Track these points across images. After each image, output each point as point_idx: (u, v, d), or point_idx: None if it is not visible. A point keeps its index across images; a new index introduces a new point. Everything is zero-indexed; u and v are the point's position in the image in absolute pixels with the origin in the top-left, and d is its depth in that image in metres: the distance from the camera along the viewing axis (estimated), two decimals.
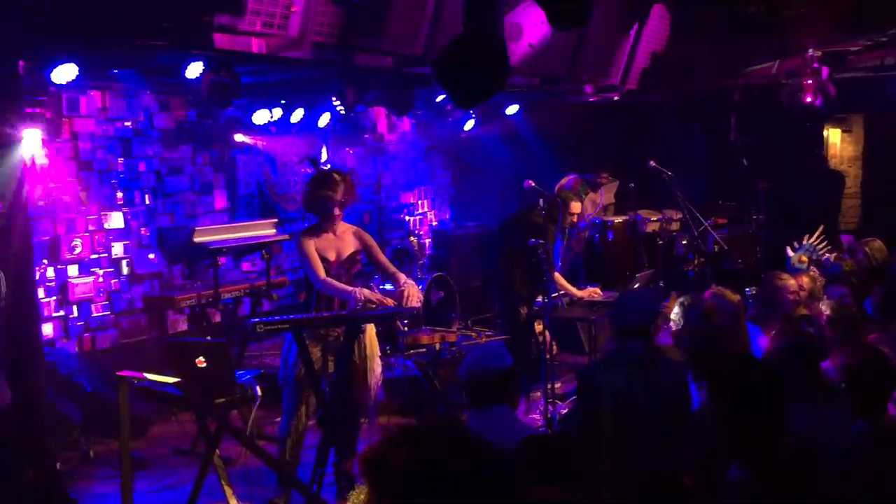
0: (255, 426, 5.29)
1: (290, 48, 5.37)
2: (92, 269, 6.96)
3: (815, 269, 5.69)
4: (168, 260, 7.51)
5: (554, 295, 6.32)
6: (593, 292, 6.91)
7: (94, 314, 6.96)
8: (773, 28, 8.39)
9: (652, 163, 6.95)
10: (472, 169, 9.53)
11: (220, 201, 8.12)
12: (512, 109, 9.34)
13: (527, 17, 6.69)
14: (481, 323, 9.05)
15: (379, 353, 5.18)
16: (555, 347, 6.44)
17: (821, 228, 6.20)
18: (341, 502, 4.96)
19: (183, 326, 7.49)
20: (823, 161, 10.66)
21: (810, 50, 8.21)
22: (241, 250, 7.62)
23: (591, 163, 9.80)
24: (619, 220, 9.00)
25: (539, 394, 6.22)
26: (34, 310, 4.97)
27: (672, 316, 4.31)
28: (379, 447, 1.69)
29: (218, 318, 7.56)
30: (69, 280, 6.78)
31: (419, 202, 10.48)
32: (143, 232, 7.35)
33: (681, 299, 4.36)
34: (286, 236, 7.84)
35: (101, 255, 7.03)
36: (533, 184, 7.02)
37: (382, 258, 5.16)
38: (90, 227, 6.96)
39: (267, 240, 7.56)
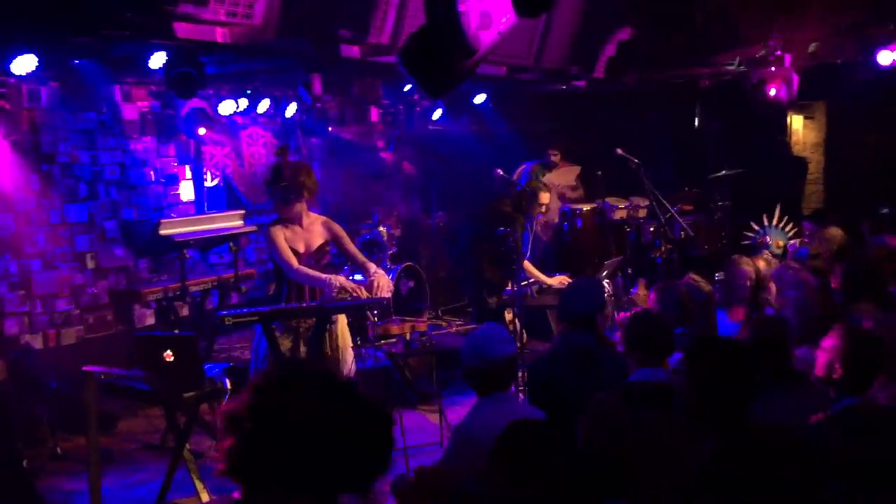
0: None
1: (255, 37, 5.32)
2: (56, 264, 6.85)
3: (769, 253, 5.78)
4: (134, 253, 7.41)
5: (524, 283, 6.35)
6: (563, 280, 6.96)
7: (59, 309, 6.86)
8: (738, 17, 8.48)
9: (619, 151, 6.99)
10: (441, 159, 9.52)
11: (186, 193, 8.03)
12: (479, 99, 9.35)
13: (495, 5, 6.68)
14: (451, 312, 9.07)
15: (350, 344, 5.17)
16: (524, 335, 6.48)
17: (777, 209, 6.32)
18: None
19: (150, 320, 7.40)
20: (787, 148, 10.81)
21: (772, 41, 8.31)
22: (208, 243, 7.55)
23: (558, 150, 9.85)
24: (586, 207, 9.05)
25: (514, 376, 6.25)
26: None
27: None
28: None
29: (185, 312, 7.49)
30: (33, 274, 6.68)
31: (388, 192, 10.45)
32: (107, 225, 7.26)
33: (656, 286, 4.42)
34: (254, 228, 7.78)
35: (65, 249, 6.93)
36: (502, 173, 7.03)
37: (352, 248, 5.14)
38: (52, 221, 6.85)
39: (234, 231, 7.49)
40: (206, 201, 8.18)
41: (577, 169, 8.52)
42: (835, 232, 6.11)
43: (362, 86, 7.65)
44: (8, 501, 4.57)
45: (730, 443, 2.58)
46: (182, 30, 4.96)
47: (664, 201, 7.14)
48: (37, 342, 6.67)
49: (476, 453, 2.76)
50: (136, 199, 7.52)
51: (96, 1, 4.56)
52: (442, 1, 3.87)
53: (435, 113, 9.53)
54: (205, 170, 8.21)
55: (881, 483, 2.77)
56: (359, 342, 7.51)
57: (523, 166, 7.97)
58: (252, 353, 5.00)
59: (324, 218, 5.12)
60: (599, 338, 3.96)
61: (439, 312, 8.92)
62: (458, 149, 10.05)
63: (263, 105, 7.69)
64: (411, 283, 8.33)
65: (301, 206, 4.89)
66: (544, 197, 6.95)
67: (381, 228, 8.30)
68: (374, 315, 7.11)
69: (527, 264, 6.81)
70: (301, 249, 4.90)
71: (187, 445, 4.57)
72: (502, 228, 6.12)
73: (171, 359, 4.28)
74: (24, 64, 5.09)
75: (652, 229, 8.30)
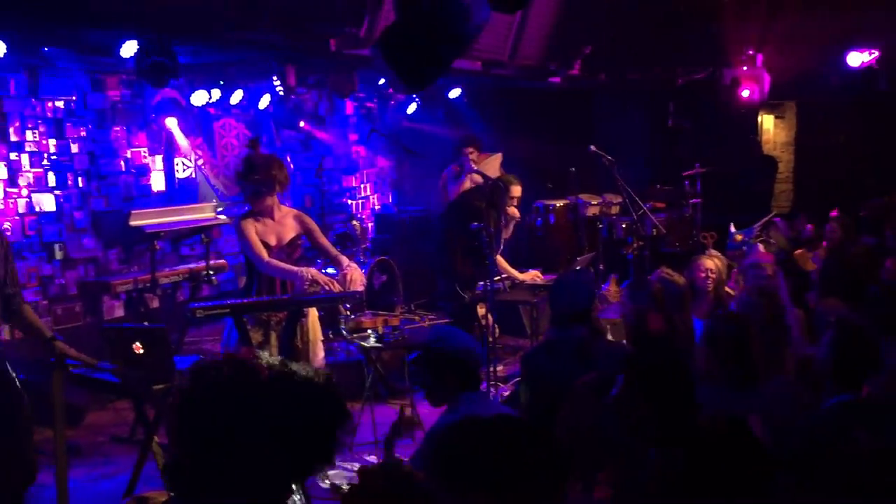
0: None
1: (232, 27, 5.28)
2: (23, 254, 6.75)
3: (718, 253, 5.89)
4: (103, 244, 7.33)
5: (496, 279, 6.37)
6: (535, 275, 6.98)
7: (27, 300, 6.74)
8: (711, 17, 8.55)
9: (593, 147, 7.03)
10: (415, 153, 9.51)
11: (157, 184, 7.95)
12: (454, 93, 9.33)
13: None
14: (424, 307, 9.07)
15: (321, 338, 5.16)
16: (497, 330, 6.49)
17: (772, 215, 6.44)
18: None
19: (119, 312, 7.32)
20: (758, 146, 10.93)
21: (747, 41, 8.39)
22: (180, 234, 7.48)
23: (532, 146, 9.87)
24: (560, 203, 9.08)
25: (481, 376, 6.26)
26: None
27: None
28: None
29: (156, 304, 7.42)
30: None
31: (361, 186, 10.43)
32: (76, 215, 7.16)
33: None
34: (225, 219, 7.72)
35: (33, 239, 6.83)
36: (475, 168, 7.03)
37: (324, 241, 5.12)
38: (20, 211, 6.75)
39: (206, 223, 7.43)
40: (178, 192, 8.10)
41: (499, 156, 8.46)
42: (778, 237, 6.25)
43: (337, 78, 7.60)
44: None
45: (676, 443, 2.57)
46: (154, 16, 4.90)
47: (636, 198, 7.20)
48: (3, 333, 6.56)
49: None
50: (106, 189, 7.43)
51: None
52: None
53: (410, 107, 9.51)
54: (177, 161, 8.13)
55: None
56: (331, 336, 7.49)
57: (444, 174, 7.99)
58: (222, 346, 4.97)
59: (296, 211, 5.11)
60: (594, 330, 3.99)
61: (412, 307, 8.91)
62: (432, 143, 10.04)
63: (237, 96, 7.62)
64: (384, 278, 8.32)
65: (273, 200, 4.87)
66: (515, 190, 6.96)
67: (354, 222, 8.28)
68: (346, 309, 7.09)
69: (499, 259, 6.82)
70: (273, 242, 4.88)
71: (156, 438, 4.53)
72: (475, 224, 6.13)
73: (141, 351, 4.24)
74: None
75: (624, 226, 8.35)
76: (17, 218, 6.71)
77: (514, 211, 6.87)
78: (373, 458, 5.03)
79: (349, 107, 10.04)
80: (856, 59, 8.55)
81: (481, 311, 6.67)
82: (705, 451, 2.47)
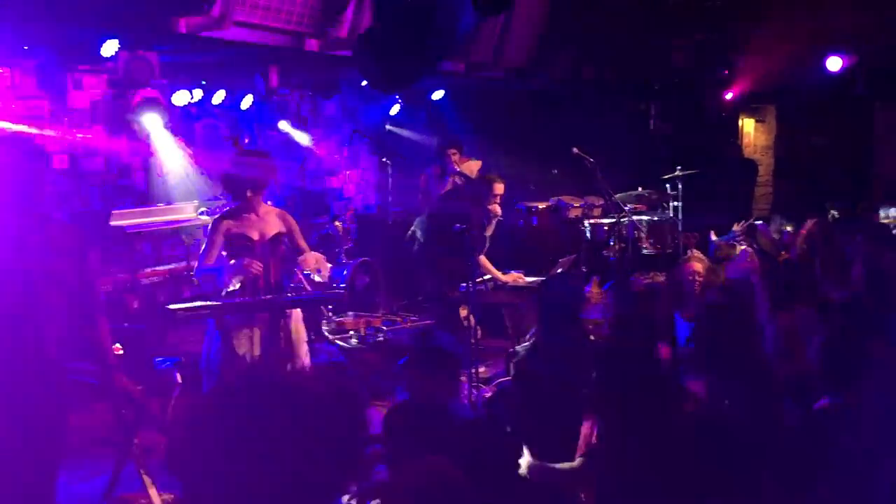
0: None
1: (213, 28, 5.26)
2: None
3: (703, 256, 5.93)
4: None
5: (479, 280, 6.37)
6: (517, 277, 6.99)
7: None
8: (694, 18, 8.61)
9: (575, 150, 7.05)
10: (398, 154, 9.51)
11: (138, 183, 7.89)
12: (438, 95, 9.35)
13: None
14: (406, 308, 9.06)
15: (305, 339, 5.13)
16: (479, 332, 6.50)
17: (751, 221, 6.50)
18: None
19: None
20: (738, 150, 11.01)
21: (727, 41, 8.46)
22: (160, 234, 7.43)
23: (515, 148, 9.90)
24: (542, 205, 9.11)
25: (464, 378, 6.27)
26: None
27: None
28: None
29: (136, 304, 7.36)
30: None
31: (344, 187, 10.41)
32: (56, 216, 7.09)
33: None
34: (207, 219, 7.67)
35: None
36: (458, 168, 7.04)
37: (303, 244, 5.10)
38: None
39: (187, 223, 7.38)
40: (158, 192, 8.05)
41: (479, 163, 8.51)
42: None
43: (320, 79, 7.59)
44: None
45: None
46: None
47: (618, 200, 7.23)
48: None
49: None
50: (86, 189, 7.37)
51: None
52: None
53: (393, 108, 9.51)
54: (157, 160, 8.07)
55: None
56: (312, 337, 7.47)
57: (424, 175, 8.01)
58: (204, 348, 4.92)
59: (279, 210, 5.08)
60: (583, 331, 4.01)
61: (394, 308, 8.90)
62: (415, 144, 10.05)
63: (219, 96, 7.59)
64: (367, 279, 8.30)
65: (259, 195, 4.87)
66: (498, 188, 6.98)
67: (336, 223, 8.27)
68: (328, 310, 7.08)
69: (483, 260, 6.83)
70: (255, 237, 4.85)
71: (135, 440, 4.50)
72: (458, 225, 6.14)
73: (121, 352, 4.21)
74: None
75: (606, 228, 8.39)
76: None
77: (495, 208, 6.89)
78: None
79: (332, 108, 10.02)
80: (835, 63, 8.64)
81: (464, 312, 6.67)
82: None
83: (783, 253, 6.36)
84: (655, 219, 8.42)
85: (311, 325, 7.47)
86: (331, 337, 6.86)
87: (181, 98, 7.28)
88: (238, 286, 4.68)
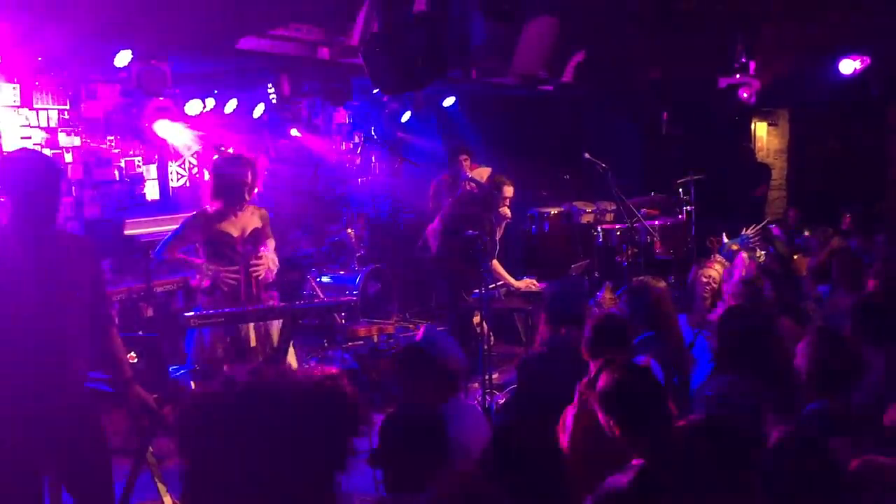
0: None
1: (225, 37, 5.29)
2: None
3: (724, 261, 5.90)
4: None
5: (491, 286, 6.36)
6: (530, 283, 6.98)
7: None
8: (704, 23, 8.58)
9: (587, 155, 7.04)
10: (410, 161, 9.52)
11: (151, 193, 7.94)
12: (448, 101, 9.35)
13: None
14: (419, 315, 9.06)
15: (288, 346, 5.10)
16: (492, 338, 6.49)
17: (764, 224, 6.48)
18: None
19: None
20: (751, 154, 10.97)
21: (739, 45, 8.43)
22: None
23: (526, 154, 9.90)
24: (554, 211, 9.10)
25: (477, 384, 6.26)
26: None
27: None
28: None
29: (150, 313, 7.40)
30: None
31: (356, 194, 10.42)
32: (70, 225, 7.14)
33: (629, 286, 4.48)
34: None
35: None
36: (470, 175, 7.04)
37: (268, 238, 5.14)
38: None
39: None
40: (172, 201, 8.09)
41: (488, 169, 8.54)
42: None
43: (332, 87, 7.62)
44: None
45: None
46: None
47: (630, 205, 7.21)
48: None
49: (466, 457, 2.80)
50: (100, 198, 7.42)
51: None
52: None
53: (404, 115, 9.53)
54: (170, 169, 8.12)
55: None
56: (326, 344, 7.48)
57: (435, 182, 8.02)
58: (193, 356, 4.94)
59: (258, 208, 5.13)
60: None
61: (407, 315, 8.91)
62: (426, 150, 10.06)
63: (231, 105, 7.62)
64: (379, 286, 8.31)
65: (249, 198, 4.92)
66: (508, 190, 6.98)
67: (348, 230, 8.28)
68: (341, 317, 7.09)
69: (496, 265, 6.82)
70: (235, 234, 4.91)
71: (150, 448, 4.51)
72: (470, 231, 6.14)
73: (135, 360, 4.23)
74: None
75: (618, 233, 8.37)
76: None
77: (505, 211, 6.91)
78: None
79: (344, 114, 10.05)
80: (848, 66, 8.60)
81: (476, 318, 6.67)
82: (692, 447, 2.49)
83: (796, 257, 6.34)
84: (669, 223, 8.40)
85: (324, 332, 7.50)
86: (343, 344, 6.87)
87: (194, 107, 7.31)
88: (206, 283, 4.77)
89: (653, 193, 9.65)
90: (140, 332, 6.38)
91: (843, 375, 3.13)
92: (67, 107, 7.09)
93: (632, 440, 2.71)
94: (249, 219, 4.99)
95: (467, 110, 9.88)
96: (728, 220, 7.20)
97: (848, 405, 3.13)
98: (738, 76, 8.58)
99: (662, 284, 4.65)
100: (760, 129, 11.29)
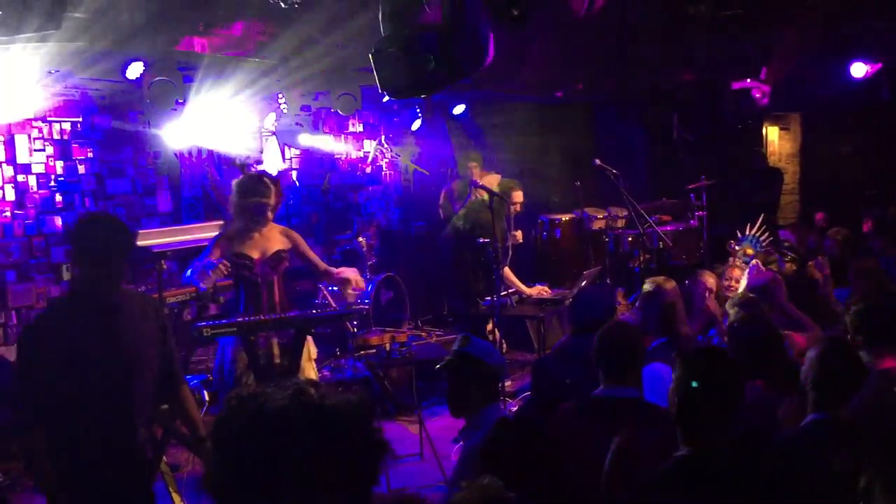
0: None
1: (234, 48, 5.31)
2: (31, 275, 6.77)
3: (740, 261, 5.90)
4: None
5: (503, 293, 6.35)
6: (542, 290, 6.97)
7: None
8: (715, 27, 8.56)
9: (597, 161, 7.03)
10: (421, 169, 9.54)
11: (164, 204, 7.97)
12: (459, 109, 9.36)
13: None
14: (431, 323, 9.06)
15: (314, 357, 5.08)
16: (504, 345, 6.47)
17: (761, 219, 6.46)
18: None
19: None
20: (763, 158, 10.92)
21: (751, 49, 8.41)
22: (186, 253, 7.48)
23: (537, 161, 9.89)
24: (565, 217, 9.08)
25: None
26: None
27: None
28: None
29: None
30: (8, 286, 6.59)
31: (367, 202, 10.44)
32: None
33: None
34: None
35: (41, 260, 6.85)
36: (480, 182, 7.04)
37: (313, 255, 5.10)
38: (28, 232, 6.77)
39: None
40: (185, 212, 8.12)
41: (497, 176, 8.54)
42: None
43: (342, 95, 7.63)
44: None
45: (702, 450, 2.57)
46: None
47: (642, 211, 7.19)
48: (11, 354, 6.57)
49: None
50: (113, 209, 7.45)
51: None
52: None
53: (414, 123, 9.54)
54: (183, 180, 8.15)
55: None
56: (338, 352, 7.48)
57: (445, 190, 8.02)
58: (216, 362, 4.92)
59: (282, 227, 5.11)
60: None
61: (419, 323, 8.90)
62: (437, 158, 10.07)
63: None
64: (390, 294, 8.31)
65: (270, 218, 4.88)
66: (517, 195, 6.97)
67: (360, 239, 8.29)
68: (353, 326, 7.09)
69: (507, 272, 6.81)
70: (256, 255, 4.86)
71: (164, 458, 4.52)
72: (481, 239, 6.13)
73: None
74: None
75: (630, 239, 8.34)
76: (24, 239, 6.73)
77: (515, 208, 6.95)
78: None
79: (354, 123, 10.07)
80: (859, 69, 8.56)
81: (489, 325, 6.66)
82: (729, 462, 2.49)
83: (811, 264, 6.31)
84: (681, 229, 8.37)
85: (337, 341, 7.50)
86: (356, 353, 6.87)
87: None
88: (211, 288, 4.73)
89: (664, 199, 9.62)
90: None
91: (846, 386, 3.05)
92: (80, 119, 7.14)
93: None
94: (272, 239, 4.95)
95: (478, 115, 9.88)
96: (740, 225, 7.15)
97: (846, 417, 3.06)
98: (749, 80, 8.55)
99: (673, 284, 4.64)
100: (772, 133, 11.24)
